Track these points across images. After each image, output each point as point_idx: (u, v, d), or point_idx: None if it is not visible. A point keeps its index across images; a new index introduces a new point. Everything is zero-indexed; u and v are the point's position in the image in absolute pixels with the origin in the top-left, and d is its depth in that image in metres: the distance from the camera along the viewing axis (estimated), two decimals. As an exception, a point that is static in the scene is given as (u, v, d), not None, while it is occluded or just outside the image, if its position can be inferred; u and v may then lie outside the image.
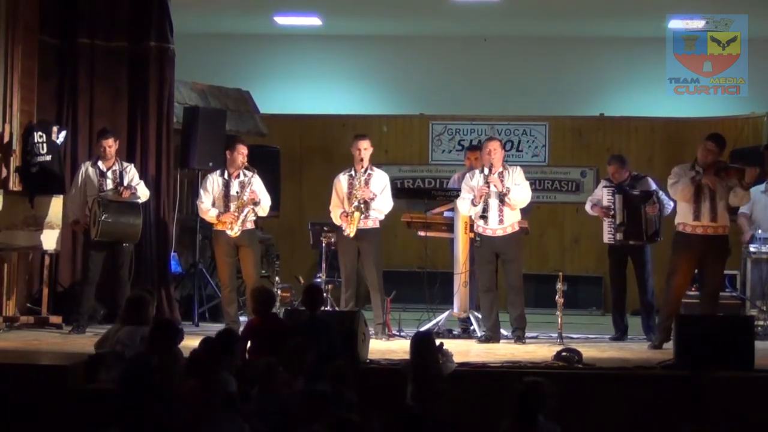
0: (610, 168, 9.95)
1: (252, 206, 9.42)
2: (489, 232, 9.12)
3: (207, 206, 9.54)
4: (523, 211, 9.35)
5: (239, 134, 12.44)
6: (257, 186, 9.51)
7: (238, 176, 9.51)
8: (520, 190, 9.11)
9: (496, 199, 9.08)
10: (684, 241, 8.79)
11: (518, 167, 9.38)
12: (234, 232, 9.37)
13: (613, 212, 9.64)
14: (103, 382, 6.90)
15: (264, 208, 9.53)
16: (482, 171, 9.18)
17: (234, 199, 9.44)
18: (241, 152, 9.48)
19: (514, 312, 9.20)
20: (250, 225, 9.53)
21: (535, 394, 5.59)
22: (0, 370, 7.05)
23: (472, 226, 9.44)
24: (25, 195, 9.80)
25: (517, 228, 9.18)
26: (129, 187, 9.60)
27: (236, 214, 9.37)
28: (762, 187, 10.19)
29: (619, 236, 9.59)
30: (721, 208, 8.70)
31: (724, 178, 8.68)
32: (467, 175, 9.45)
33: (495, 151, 9.15)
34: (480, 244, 9.16)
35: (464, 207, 9.25)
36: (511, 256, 9.16)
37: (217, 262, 9.81)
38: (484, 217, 9.13)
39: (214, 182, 9.55)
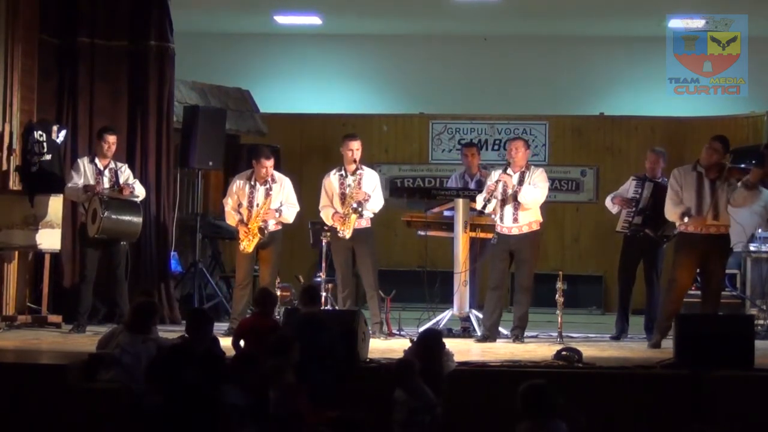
0: (649, 157, 9.77)
1: (273, 217, 9.41)
2: (505, 231, 9.09)
3: (230, 211, 9.52)
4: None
5: (239, 133, 12.49)
6: (283, 195, 9.48)
7: (264, 183, 9.49)
8: (530, 190, 9.01)
9: (510, 199, 9.06)
10: (686, 241, 8.81)
11: (540, 168, 9.34)
12: (242, 248, 9.37)
13: (636, 202, 9.54)
14: (102, 381, 6.90)
15: (287, 217, 9.52)
16: (504, 169, 9.19)
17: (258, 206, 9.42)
18: (264, 165, 9.43)
19: (518, 311, 9.18)
20: (273, 228, 9.50)
21: (539, 397, 5.59)
22: (0, 369, 7.05)
23: (472, 226, 9.45)
24: (25, 194, 9.79)
25: (534, 228, 9.12)
26: (129, 185, 9.60)
27: (247, 229, 9.34)
28: None
29: (637, 219, 9.45)
30: (722, 207, 8.70)
31: (727, 177, 8.70)
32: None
33: (517, 150, 9.12)
34: (496, 241, 9.16)
35: (479, 200, 9.22)
36: (524, 256, 9.12)
37: (237, 259, 9.77)
38: (481, 213, 9.19)
39: (240, 187, 9.50)
